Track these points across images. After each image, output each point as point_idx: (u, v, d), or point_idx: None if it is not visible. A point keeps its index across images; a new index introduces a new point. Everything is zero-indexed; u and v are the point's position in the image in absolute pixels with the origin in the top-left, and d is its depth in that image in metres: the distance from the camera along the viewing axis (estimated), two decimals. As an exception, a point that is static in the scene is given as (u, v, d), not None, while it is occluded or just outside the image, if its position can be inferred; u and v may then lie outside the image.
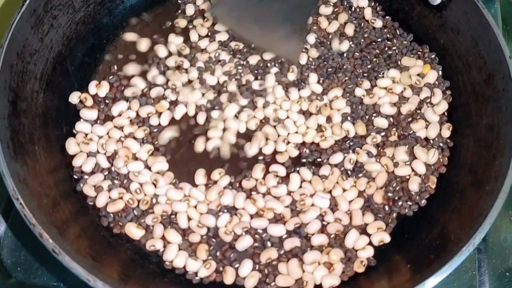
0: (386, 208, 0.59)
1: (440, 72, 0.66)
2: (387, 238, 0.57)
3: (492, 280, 0.61)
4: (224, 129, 0.63)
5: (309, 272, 0.55)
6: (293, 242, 0.56)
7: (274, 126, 0.63)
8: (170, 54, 0.69)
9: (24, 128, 0.57)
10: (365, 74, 0.66)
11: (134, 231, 0.57)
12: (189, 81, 0.66)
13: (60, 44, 0.64)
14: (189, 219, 0.58)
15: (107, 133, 0.63)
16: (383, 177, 0.59)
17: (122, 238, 0.57)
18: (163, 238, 0.57)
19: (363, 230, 0.58)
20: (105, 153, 0.62)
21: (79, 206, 0.58)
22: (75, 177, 0.60)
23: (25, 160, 0.54)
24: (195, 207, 0.58)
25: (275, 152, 0.62)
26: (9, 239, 0.63)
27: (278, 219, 0.58)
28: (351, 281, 0.55)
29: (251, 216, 0.58)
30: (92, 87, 0.66)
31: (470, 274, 0.61)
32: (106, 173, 0.61)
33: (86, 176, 0.60)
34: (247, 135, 0.63)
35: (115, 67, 0.68)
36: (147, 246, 0.56)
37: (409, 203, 0.59)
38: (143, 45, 0.70)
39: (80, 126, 0.63)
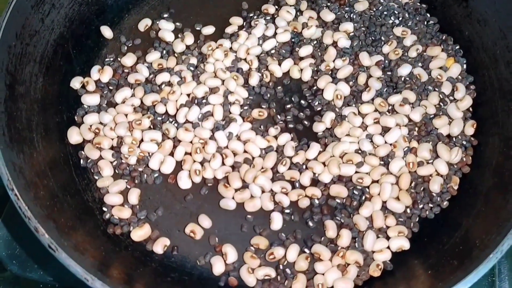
0: (408, 211, 0.55)
1: (465, 66, 0.63)
2: (406, 245, 0.53)
3: (513, 288, 0.58)
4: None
5: (320, 273, 0.52)
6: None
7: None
8: (176, 37, 0.65)
9: (22, 114, 0.53)
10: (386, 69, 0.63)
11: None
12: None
13: (62, 26, 0.61)
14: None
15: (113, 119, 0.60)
16: (407, 179, 0.56)
17: (123, 233, 0.54)
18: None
19: (381, 231, 0.54)
20: (112, 139, 0.59)
21: (79, 198, 0.55)
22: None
23: (22, 148, 0.51)
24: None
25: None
26: (4, 230, 0.60)
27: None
28: (366, 286, 0.52)
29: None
30: (95, 72, 0.63)
31: (489, 280, 0.59)
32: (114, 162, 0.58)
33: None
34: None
35: (120, 51, 0.65)
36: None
37: (430, 205, 0.56)
38: (149, 28, 0.67)
39: (89, 119, 0.60)
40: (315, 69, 0.64)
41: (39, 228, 0.45)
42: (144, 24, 0.67)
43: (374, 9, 0.67)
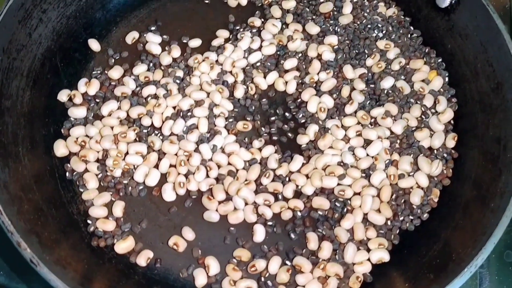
0: (389, 223, 0.56)
1: (447, 79, 0.63)
2: (386, 257, 0.54)
3: (494, 298, 0.59)
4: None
5: (301, 285, 0.53)
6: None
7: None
8: (163, 50, 0.66)
9: (8, 128, 0.54)
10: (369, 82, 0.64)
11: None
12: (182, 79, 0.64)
13: (50, 40, 0.62)
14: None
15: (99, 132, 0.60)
16: (387, 192, 0.56)
17: (107, 246, 0.55)
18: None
19: (361, 243, 0.55)
20: (97, 152, 0.59)
21: (64, 211, 0.55)
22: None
23: (7, 162, 0.52)
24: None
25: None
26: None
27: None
28: (346, 298, 0.53)
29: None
30: (82, 85, 0.63)
31: (471, 291, 0.59)
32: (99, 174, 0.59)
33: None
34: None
35: (107, 64, 0.66)
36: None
37: (411, 217, 0.56)
38: (137, 41, 0.68)
39: (75, 132, 0.60)
40: (300, 81, 0.64)
41: (21, 243, 0.45)
42: (131, 37, 0.68)
43: (358, 22, 0.67)
